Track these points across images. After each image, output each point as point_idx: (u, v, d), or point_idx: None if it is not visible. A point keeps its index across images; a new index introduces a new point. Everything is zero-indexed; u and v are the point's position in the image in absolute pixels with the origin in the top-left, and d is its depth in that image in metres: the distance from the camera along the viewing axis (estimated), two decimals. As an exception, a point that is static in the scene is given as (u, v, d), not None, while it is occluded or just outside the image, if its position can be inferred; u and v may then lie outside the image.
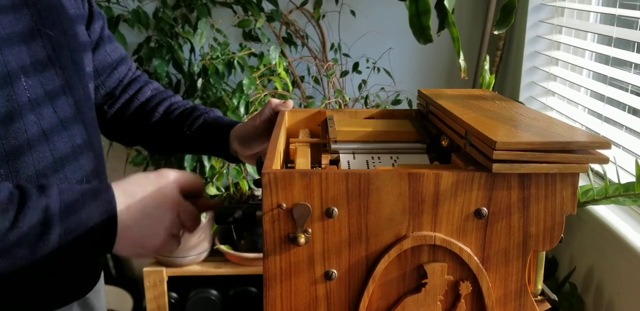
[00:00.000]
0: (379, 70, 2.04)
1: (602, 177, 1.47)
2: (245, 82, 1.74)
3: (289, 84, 1.85)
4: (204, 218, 1.88)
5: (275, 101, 0.93)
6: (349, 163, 0.76)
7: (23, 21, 0.80)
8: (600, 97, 1.60)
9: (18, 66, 0.77)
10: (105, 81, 1.01)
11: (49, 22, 0.83)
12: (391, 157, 0.78)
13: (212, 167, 1.83)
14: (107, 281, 2.14)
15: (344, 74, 2.03)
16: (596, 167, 1.54)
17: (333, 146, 0.78)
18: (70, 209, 0.67)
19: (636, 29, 1.52)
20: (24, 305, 0.83)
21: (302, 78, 2.05)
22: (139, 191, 0.71)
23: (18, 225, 0.64)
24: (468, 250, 0.63)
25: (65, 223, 0.66)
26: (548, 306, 0.69)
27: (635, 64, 1.50)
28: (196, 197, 0.78)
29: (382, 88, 2.05)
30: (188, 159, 1.79)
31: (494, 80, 1.48)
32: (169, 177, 0.74)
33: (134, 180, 0.73)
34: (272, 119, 0.91)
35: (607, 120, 1.57)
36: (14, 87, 0.76)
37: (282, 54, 1.97)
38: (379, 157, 0.78)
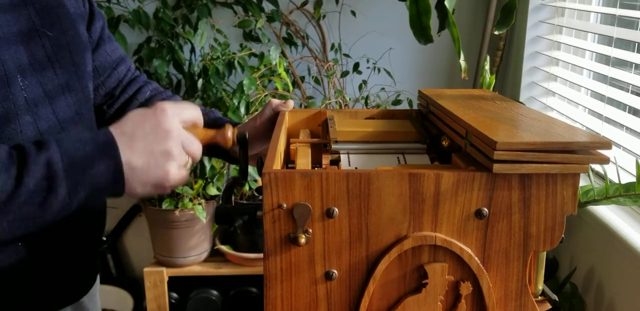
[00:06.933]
0: (379, 70, 2.04)
1: (602, 177, 1.47)
2: (245, 82, 1.74)
3: (290, 84, 1.85)
4: (204, 218, 1.88)
5: (275, 101, 0.93)
6: (349, 163, 0.76)
7: (21, 21, 0.79)
8: (601, 97, 1.60)
9: (15, 66, 0.77)
10: (105, 81, 1.00)
11: (48, 22, 0.83)
12: (392, 157, 0.78)
13: (212, 167, 1.83)
14: (107, 282, 2.15)
15: (344, 74, 2.03)
16: (597, 167, 1.54)
17: (333, 146, 0.78)
18: (73, 160, 0.66)
19: (636, 29, 1.51)
20: (18, 309, 0.82)
21: (302, 78, 2.05)
22: (139, 131, 0.69)
23: (23, 183, 0.63)
24: (468, 250, 0.63)
25: (70, 176, 0.65)
26: (549, 306, 0.69)
27: (635, 64, 1.50)
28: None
29: (383, 88, 2.05)
30: (188, 159, 1.79)
31: (494, 81, 1.48)
32: (167, 110, 0.72)
33: (131, 121, 0.71)
34: (272, 119, 0.91)
35: (608, 120, 1.57)
36: (10, 87, 0.76)
37: (283, 54, 1.97)
38: (379, 157, 0.78)
